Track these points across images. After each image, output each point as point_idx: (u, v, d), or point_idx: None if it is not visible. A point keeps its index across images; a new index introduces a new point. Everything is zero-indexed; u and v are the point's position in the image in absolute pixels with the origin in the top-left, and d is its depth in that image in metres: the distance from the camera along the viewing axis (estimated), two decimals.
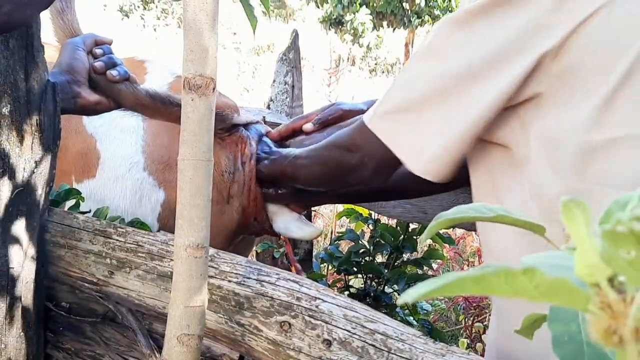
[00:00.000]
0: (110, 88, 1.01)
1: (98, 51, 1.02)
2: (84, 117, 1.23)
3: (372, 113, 0.83)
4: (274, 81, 2.03)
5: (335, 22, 7.80)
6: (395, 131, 0.80)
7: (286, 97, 2.00)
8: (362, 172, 0.90)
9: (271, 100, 2.04)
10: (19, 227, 0.82)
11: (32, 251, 0.85)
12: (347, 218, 1.74)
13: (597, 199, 0.67)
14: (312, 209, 2.03)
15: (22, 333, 0.84)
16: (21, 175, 0.82)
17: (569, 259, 0.26)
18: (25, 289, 0.84)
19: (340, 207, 2.26)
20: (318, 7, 7.62)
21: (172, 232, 1.04)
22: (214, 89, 0.65)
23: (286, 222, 1.18)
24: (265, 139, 1.21)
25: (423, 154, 0.77)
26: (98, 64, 1.00)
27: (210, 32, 0.64)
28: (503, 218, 0.36)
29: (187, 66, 0.64)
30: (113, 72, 1.00)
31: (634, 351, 0.23)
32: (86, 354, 0.91)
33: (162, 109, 1.04)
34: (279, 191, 1.17)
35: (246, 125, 1.19)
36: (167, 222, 1.20)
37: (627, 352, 0.23)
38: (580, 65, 0.69)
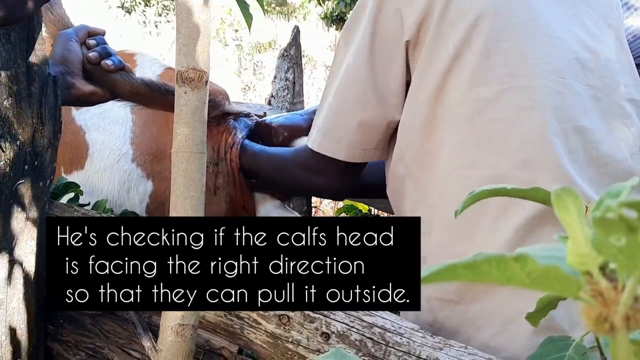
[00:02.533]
0: (105, 78, 1.01)
1: (92, 42, 1.02)
2: (73, 109, 1.23)
3: (313, 134, 0.94)
4: (275, 77, 2.04)
5: (337, 19, 7.79)
6: (326, 139, 0.92)
7: (287, 94, 2.00)
8: (329, 188, 1.00)
9: (272, 96, 2.04)
10: (20, 220, 0.83)
11: (33, 244, 0.85)
12: (347, 214, 1.74)
13: (440, 157, 0.82)
14: (313, 205, 2.03)
15: (23, 326, 0.84)
16: (22, 168, 0.82)
17: (562, 249, 0.26)
18: (27, 282, 0.84)
19: (340, 203, 2.26)
20: (320, 4, 7.61)
21: None
22: (206, 82, 0.66)
23: (268, 209, 1.18)
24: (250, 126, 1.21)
25: (332, 138, 0.91)
26: (92, 54, 1.00)
27: (203, 25, 0.65)
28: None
29: (180, 59, 0.65)
30: (108, 62, 1.00)
31: (624, 338, 0.24)
32: (86, 347, 0.91)
33: (158, 97, 1.04)
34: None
35: (236, 117, 1.19)
36: (154, 213, 1.20)
37: (617, 339, 0.24)
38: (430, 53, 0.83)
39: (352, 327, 0.69)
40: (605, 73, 0.85)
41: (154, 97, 1.04)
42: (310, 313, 0.71)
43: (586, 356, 0.46)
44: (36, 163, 0.84)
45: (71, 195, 1.03)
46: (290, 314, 0.72)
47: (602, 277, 0.24)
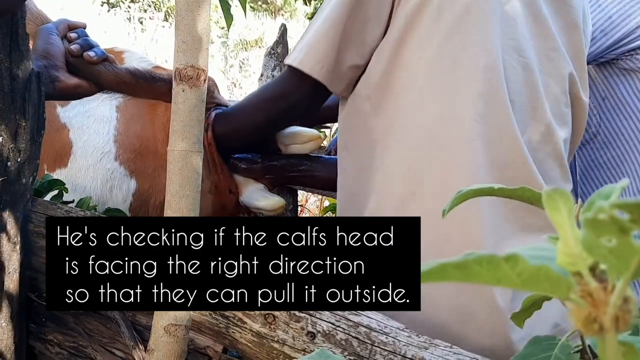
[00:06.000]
0: (89, 70, 1.00)
1: (72, 35, 1.01)
2: (58, 107, 1.22)
3: (294, 53, 0.95)
4: (261, 75, 2.03)
5: None
6: (307, 58, 0.93)
7: None
8: (296, 110, 1.03)
9: None
10: (3, 217, 0.82)
11: (15, 241, 0.84)
12: (333, 213, 1.74)
13: (402, 104, 0.88)
14: (299, 204, 2.02)
15: (5, 324, 0.83)
16: (4, 165, 0.81)
17: (552, 250, 0.26)
18: (9, 280, 0.83)
19: (326, 202, 2.26)
20: (306, 3, 7.60)
21: None
22: (204, 80, 0.65)
23: (251, 191, 1.16)
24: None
25: (299, 46, 0.94)
26: (74, 46, 0.99)
27: (202, 23, 0.64)
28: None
29: (179, 57, 0.64)
30: (90, 53, 0.99)
31: (613, 339, 0.24)
32: (69, 345, 0.90)
33: (145, 85, 1.04)
34: (250, 165, 1.16)
35: (215, 107, 1.17)
36: (138, 212, 1.19)
37: (607, 340, 0.24)
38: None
39: (338, 326, 0.69)
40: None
41: (140, 86, 1.04)
42: (296, 312, 0.71)
43: (572, 356, 0.46)
44: (19, 159, 0.82)
45: (55, 192, 1.01)
46: (276, 313, 0.72)
47: (592, 278, 0.24)
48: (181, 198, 0.65)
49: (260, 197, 1.15)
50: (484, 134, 0.84)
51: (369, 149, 0.92)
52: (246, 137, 1.14)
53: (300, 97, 1.00)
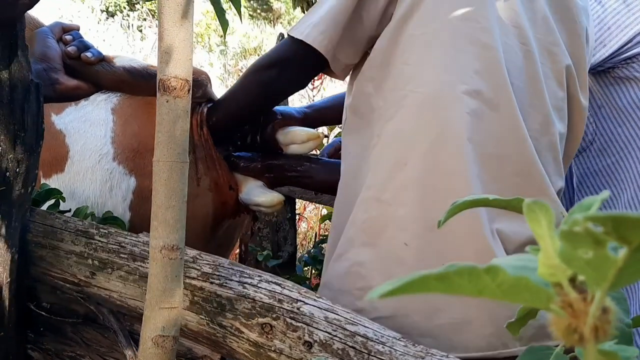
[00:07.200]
0: (87, 71, 1.01)
1: (68, 37, 1.02)
2: (52, 115, 1.22)
3: (302, 27, 0.95)
4: None
5: None
6: (302, 26, 0.94)
7: None
8: (283, 80, 1.02)
9: None
10: (1, 227, 0.82)
11: (12, 251, 0.84)
12: (330, 221, 1.75)
13: (403, 76, 0.89)
14: (297, 211, 2.03)
15: (3, 333, 0.84)
16: (3, 175, 0.81)
17: (534, 261, 0.26)
18: (8, 289, 0.84)
19: (324, 211, 2.26)
20: (304, 12, 7.64)
21: (144, 219, 1.00)
22: (188, 90, 0.65)
23: (250, 188, 1.16)
24: None
25: (307, 22, 0.93)
26: (71, 48, 1.00)
27: (185, 34, 0.64)
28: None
29: (162, 68, 0.64)
30: (88, 54, 1.00)
31: (593, 349, 0.24)
32: (67, 355, 0.90)
33: (142, 83, 1.04)
34: (249, 164, 1.16)
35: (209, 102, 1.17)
36: (139, 210, 1.18)
37: (587, 350, 0.24)
38: None
39: (335, 336, 0.69)
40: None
41: (138, 84, 1.04)
42: (293, 322, 0.71)
43: None
44: (17, 170, 0.83)
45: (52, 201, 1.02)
46: (273, 322, 0.72)
47: (572, 289, 0.25)
48: (167, 209, 0.65)
49: (258, 193, 1.15)
50: (477, 109, 0.85)
51: (369, 129, 0.92)
52: (242, 114, 1.14)
53: (294, 62, 1.00)
